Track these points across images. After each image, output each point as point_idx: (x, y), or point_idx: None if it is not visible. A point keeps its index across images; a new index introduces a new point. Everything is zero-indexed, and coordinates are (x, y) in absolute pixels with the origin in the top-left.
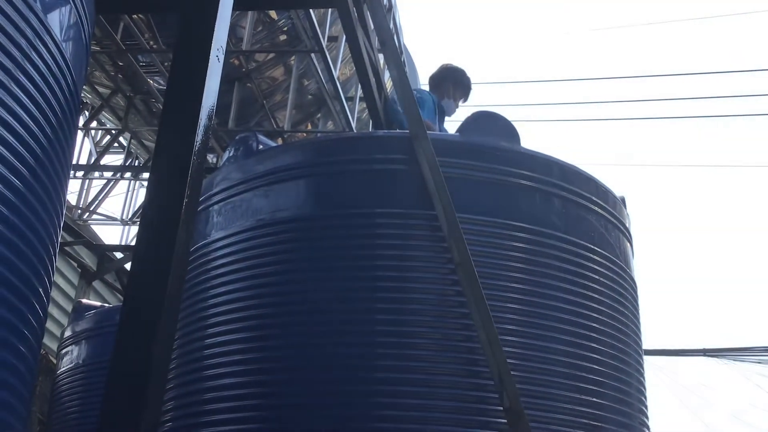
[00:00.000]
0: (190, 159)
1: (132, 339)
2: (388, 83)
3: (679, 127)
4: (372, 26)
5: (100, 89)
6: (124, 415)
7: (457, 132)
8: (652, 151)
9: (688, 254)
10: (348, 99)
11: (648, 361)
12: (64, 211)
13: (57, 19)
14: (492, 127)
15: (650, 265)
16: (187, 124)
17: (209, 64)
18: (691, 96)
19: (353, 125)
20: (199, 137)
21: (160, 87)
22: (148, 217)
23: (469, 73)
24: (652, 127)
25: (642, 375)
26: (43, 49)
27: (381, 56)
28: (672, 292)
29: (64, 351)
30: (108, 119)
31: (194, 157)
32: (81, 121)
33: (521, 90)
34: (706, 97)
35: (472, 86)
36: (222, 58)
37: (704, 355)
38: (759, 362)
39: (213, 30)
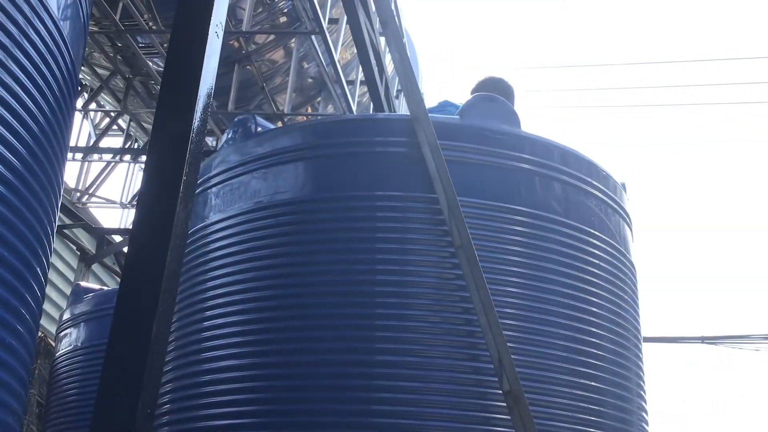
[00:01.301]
0: (188, 137)
1: (129, 321)
2: (389, 66)
3: (688, 114)
4: (373, 8)
5: (99, 71)
6: (120, 396)
7: (457, 115)
8: (658, 140)
9: (688, 245)
10: (348, 83)
11: (646, 348)
12: (62, 194)
13: None
14: (492, 110)
15: (651, 254)
16: (186, 101)
17: (208, 40)
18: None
19: (354, 109)
20: (197, 114)
21: (159, 69)
22: (145, 197)
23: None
24: (667, 114)
25: (641, 359)
26: (41, 26)
27: (382, 39)
28: (671, 280)
29: (62, 334)
30: (107, 101)
31: (193, 135)
32: (80, 103)
33: (529, 76)
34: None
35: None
36: (221, 34)
37: (702, 342)
38: (756, 350)
39: (212, 5)
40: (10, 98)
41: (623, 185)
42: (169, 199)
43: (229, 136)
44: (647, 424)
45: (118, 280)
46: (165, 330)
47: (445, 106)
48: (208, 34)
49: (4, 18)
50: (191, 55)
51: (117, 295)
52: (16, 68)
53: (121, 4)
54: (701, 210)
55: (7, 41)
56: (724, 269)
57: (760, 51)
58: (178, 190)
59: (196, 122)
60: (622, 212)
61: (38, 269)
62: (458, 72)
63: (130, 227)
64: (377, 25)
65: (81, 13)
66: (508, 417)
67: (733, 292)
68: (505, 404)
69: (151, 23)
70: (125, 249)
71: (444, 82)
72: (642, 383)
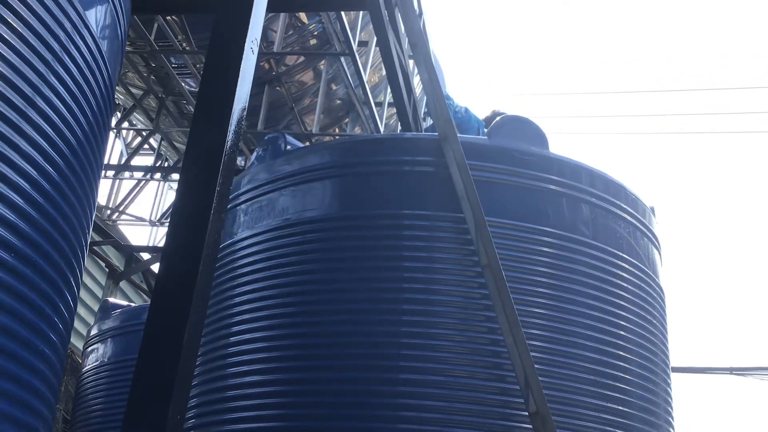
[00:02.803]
0: (222, 149)
1: (161, 328)
2: (417, 88)
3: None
4: (403, 29)
5: (133, 90)
6: (149, 411)
7: (485, 135)
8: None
9: (717, 273)
10: (376, 104)
11: (673, 378)
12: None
13: (94, 15)
14: (520, 131)
15: (679, 281)
16: (221, 114)
17: (243, 56)
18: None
19: (381, 130)
20: (232, 127)
21: (192, 89)
22: (179, 208)
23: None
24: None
25: (669, 385)
26: (81, 42)
27: (410, 61)
28: (699, 308)
29: (89, 349)
30: (139, 120)
31: (227, 147)
32: (113, 122)
33: (555, 101)
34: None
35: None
36: (256, 51)
37: (731, 373)
38: None
39: (248, 23)
40: (50, 111)
41: (652, 209)
42: (203, 210)
43: (260, 153)
44: None
45: (146, 297)
46: (196, 337)
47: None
48: (243, 50)
49: (47, 33)
50: (227, 70)
51: (150, 302)
52: (57, 82)
53: (156, 25)
54: (732, 237)
55: (48, 56)
56: (754, 299)
57: None
58: (211, 201)
59: (230, 134)
60: (651, 236)
61: (68, 294)
62: (472, 88)
63: (159, 245)
64: (406, 45)
65: (119, 32)
66: None
67: (764, 323)
68: (530, 426)
69: (184, 44)
70: (153, 267)
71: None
72: (670, 409)
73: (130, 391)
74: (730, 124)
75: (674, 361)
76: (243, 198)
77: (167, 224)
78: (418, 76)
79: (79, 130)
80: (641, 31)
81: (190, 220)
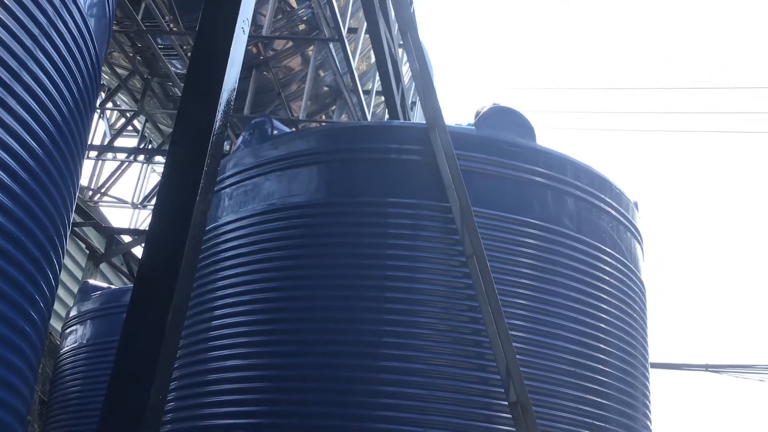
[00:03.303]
0: (211, 128)
1: (146, 305)
2: (406, 76)
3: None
4: (393, 15)
5: (118, 70)
6: (131, 391)
7: (472, 125)
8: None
9: (696, 269)
10: (364, 92)
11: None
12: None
13: None
14: (508, 122)
15: (658, 276)
16: (210, 93)
17: (234, 36)
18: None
19: (368, 118)
20: (221, 107)
21: (178, 71)
22: (166, 187)
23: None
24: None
25: (647, 379)
26: (69, 18)
27: (400, 50)
28: (677, 305)
29: (68, 330)
30: (123, 101)
31: (216, 127)
32: (97, 102)
33: (550, 96)
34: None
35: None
36: (247, 31)
37: (706, 370)
38: (761, 380)
39: (239, 2)
40: (36, 86)
41: (636, 204)
42: (190, 191)
43: (246, 138)
44: None
45: (126, 280)
46: (181, 318)
47: None
48: (234, 30)
49: (34, 7)
50: (217, 49)
51: (134, 282)
52: (43, 57)
53: (143, 5)
54: (711, 237)
55: (36, 30)
56: (731, 297)
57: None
58: (199, 181)
59: (219, 114)
60: (634, 230)
61: (50, 272)
62: (463, 85)
63: (141, 228)
64: (395, 30)
65: (107, 10)
66: (513, 428)
67: (740, 321)
68: (509, 415)
69: (172, 25)
70: (134, 249)
71: (454, 94)
72: (648, 402)
73: (112, 370)
74: (722, 123)
75: (651, 356)
76: (228, 182)
77: (149, 207)
78: (407, 64)
79: (64, 107)
80: (641, 30)
81: (177, 200)
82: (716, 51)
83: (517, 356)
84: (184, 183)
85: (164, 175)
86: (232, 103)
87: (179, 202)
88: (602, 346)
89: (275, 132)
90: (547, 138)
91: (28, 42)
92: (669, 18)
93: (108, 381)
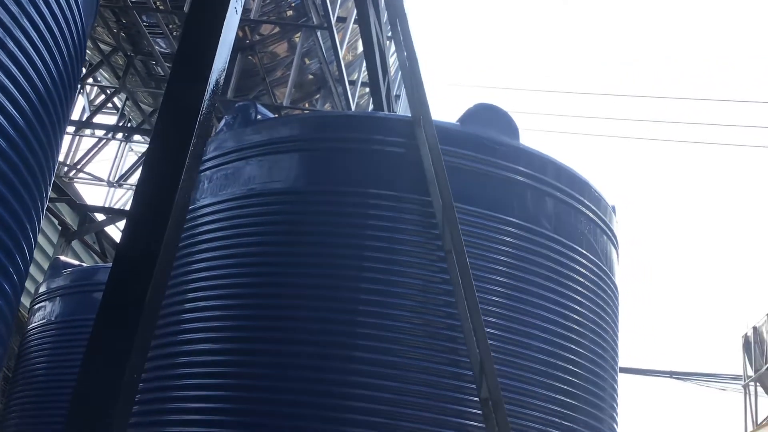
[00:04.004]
0: (199, 106)
1: (125, 280)
2: (392, 68)
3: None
4: (383, 4)
5: (101, 45)
6: (105, 369)
7: (457, 122)
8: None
9: (665, 277)
10: (349, 82)
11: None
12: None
13: None
14: (492, 120)
15: (629, 282)
16: (200, 71)
17: (227, 15)
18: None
19: (353, 108)
20: (210, 86)
21: (162, 50)
22: (150, 165)
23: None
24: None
25: (615, 381)
26: None
27: (387, 42)
28: (645, 311)
29: (36, 306)
30: (105, 77)
31: (204, 105)
32: None
33: (541, 99)
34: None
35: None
36: (240, 10)
37: (671, 377)
38: (723, 389)
39: None
40: (20, 54)
41: (613, 208)
42: (174, 170)
43: (228, 121)
44: None
45: (98, 258)
46: (159, 296)
47: None
48: (227, 9)
49: None
50: (209, 28)
51: (113, 260)
52: (29, 25)
53: None
54: (682, 246)
55: None
56: (697, 307)
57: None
58: (184, 161)
59: (207, 94)
60: (611, 234)
61: (25, 245)
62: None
63: (115, 206)
64: (385, 20)
65: None
66: (482, 424)
67: (705, 331)
68: (480, 412)
69: (159, 3)
70: (107, 228)
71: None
72: (615, 404)
73: (86, 347)
74: (706, 134)
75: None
76: (208, 164)
77: (125, 186)
78: (395, 55)
79: (48, 78)
80: (642, 32)
81: (160, 179)
82: (715, 53)
83: (492, 353)
84: (168, 163)
85: (148, 153)
86: (221, 84)
87: (163, 181)
88: (574, 347)
89: (259, 117)
90: (535, 140)
91: (14, 8)
92: (670, 20)
93: (82, 357)
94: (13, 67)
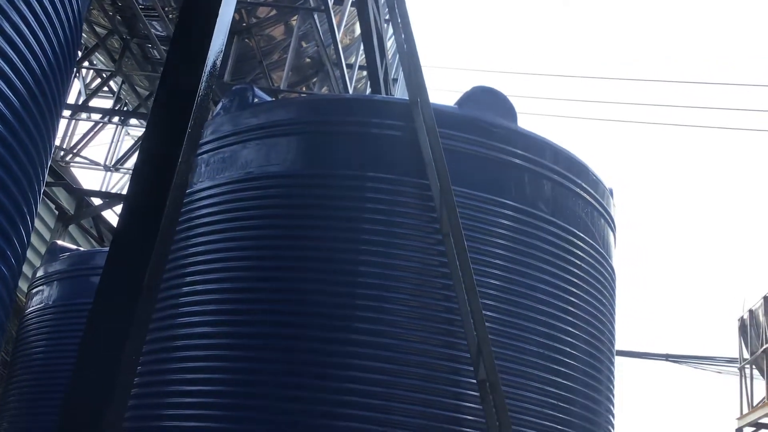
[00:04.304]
0: (197, 89)
1: (121, 273)
2: (390, 51)
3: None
4: None
5: (97, 28)
6: (104, 350)
7: (455, 105)
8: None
9: (663, 261)
10: (346, 66)
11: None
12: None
13: None
14: (490, 102)
15: (625, 265)
16: (197, 52)
17: None
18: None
19: (350, 92)
20: (208, 66)
21: (158, 33)
22: (147, 147)
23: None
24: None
25: (612, 364)
26: None
27: (385, 25)
28: (642, 294)
29: (34, 291)
30: (100, 61)
31: (201, 87)
32: None
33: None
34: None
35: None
36: None
37: (666, 360)
38: (719, 372)
39: None
40: (16, 36)
41: (611, 191)
42: (172, 153)
43: (225, 104)
44: (613, 427)
45: (95, 243)
46: (158, 277)
47: None
48: None
49: None
50: (206, 10)
51: (111, 242)
52: (24, 7)
53: None
54: (680, 229)
55: None
56: (693, 291)
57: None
58: (181, 144)
59: (205, 76)
60: (608, 217)
61: (23, 229)
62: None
63: (112, 191)
64: (382, 0)
65: None
66: (479, 406)
67: (701, 314)
68: (477, 394)
69: None
70: (104, 213)
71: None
72: (612, 386)
73: (85, 328)
74: (704, 118)
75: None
76: (205, 148)
77: (122, 170)
78: (392, 38)
79: (44, 60)
80: (643, 31)
81: (157, 163)
82: (716, 51)
83: (489, 335)
84: (165, 145)
85: (145, 136)
86: (218, 67)
87: (160, 165)
88: (571, 329)
89: (256, 100)
90: (533, 124)
91: None
92: (671, 19)
93: (80, 339)
94: (9, 50)
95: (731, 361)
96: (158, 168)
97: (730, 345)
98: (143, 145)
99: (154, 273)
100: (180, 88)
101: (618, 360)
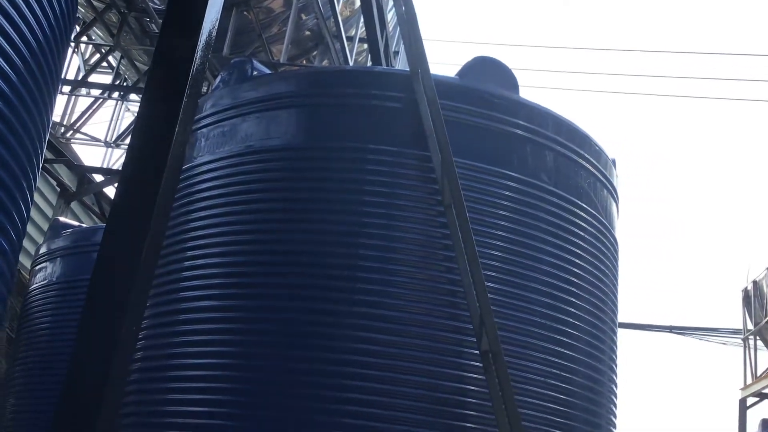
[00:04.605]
0: (192, 60)
1: (119, 246)
2: (390, 24)
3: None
4: None
5: (94, 2)
6: (104, 323)
7: (456, 76)
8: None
9: (666, 231)
10: (347, 38)
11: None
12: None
13: None
14: (491, 73)
15: (628, 237)
16: (194, 19)
17: None
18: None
19: (351, 65)
20: (203, 36)
21: (156, 6)
22: (144, 116)
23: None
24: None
25: (615, 334)
26: None
27: None
28: (645, 266)
29: (38, 267)
30: (99, 35)
31: (197, 56)
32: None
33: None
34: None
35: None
36: None
37: (670, 332)
38: (724, 344)
39: None
40: (11, 8)
41: (614, 161)
42: (167, 126)
43: (224, 77)
44: (616, 397)
45: (97, 219)
46: (156, 251)
47: None
48: None
49: None
50: None
51: (108, 215)
52: None
53: None
54: (683, 199)
55: None
56: (697, 261)
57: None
58: (177, 116)
59: (200, 46)
60: (611, 188)
61: (21, 203)
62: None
63: (114, 167)
64: None
65: None
66: (482, 377)
67: (705, 285)
68: (481, 364)
69: None
70: (106, 189)
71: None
72: (614, 357)
73: (84, 302)
74: (706, 89)
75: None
76: (205, 122)
77: (123, 146)
78: (393, 10)
79: (40, 33)
80: (644, 31)
81: (153, 136)
82: (719, 49)
83: (491, 307)
84: (161, 118)
85: (141, 109)
86: (214, 37)
87: (155, 138)
88: (573, 299)
89: (255, 73)
90: (535, 95)
91: None
92: (672, 18)
93: (80, 314)
94: (4, 21)
95: (735, 332)
96: (155, 137)
97: (734, 316)
98: (140, 113)
99: (153, 243)
100: (175, 58)
101: (622, 332)
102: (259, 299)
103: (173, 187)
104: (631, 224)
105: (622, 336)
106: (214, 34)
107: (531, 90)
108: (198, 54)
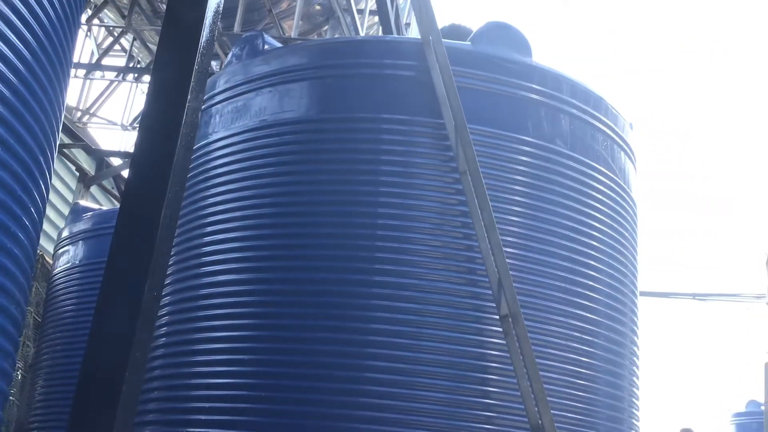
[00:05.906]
0: (201, 25)
1: (137, 208)
2: None
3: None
4: None
5: None
6: (124, 293)
7: (468, 41)
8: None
9: (683, 200)
10: (357, 11)
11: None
12: (64, 111)
13: None
14: (504, 37)
15: (648, 205)
16: None
17: None
18: None
19: None
20: (210, 9)
21: None
22: (156, 85)
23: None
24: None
25: (635, 295)
26: None
27: None
28: (665, 234)
29: (60, 251)
30: (110, 18)
31: (204, 32)
32: (83, 18)
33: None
34: None
35: None
36: None
37: (693, 298)
38: (747, 309)
39: None
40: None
41: (631, 125)
42: (177, 102)
43: (236, 53)
44: (638, 358)
45: (116, 203)
46: (172, 224)
47: None
48: None
49: None
50: None
51: (123, 191)
52: None
53: None
54: (705, 165)
55: None
56: (721, 226)
57: None
58: (186, 92)
59: (207, 21)
60: (628, 150)
61: (36, 192)
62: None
63: (131, 150)
64: None
65: None
66: (502, 341)
67: (727, 251)
68: (500, 329)
69: None
70: (124, 172)
71: None
72: (636, 319)
73: (104, 271)
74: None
75: (639, 285)
76: (218, 98)
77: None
78: None
79: (46, 21)
80: (645, 30)
81: (163, 113)
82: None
83: (510, 271)
84: (170, 95)
85: (150, 87)
86: (221, 9)
87: (166, 115)
88: (592, 262)
89: (267, 47)
90: (548, 59)
91: None
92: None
93: (98, 292)
94: (9, 12)
95: (759, 297)
96: (164, 120)
97: (759, 281)
98: (151, 86)
99: (170, 216)
100: (182, 36)
101: (644, 301)
102: (279, 272)
103: (188, 155)
104: (652, 189)
105: (645, 305)
106: (221, 8)
107: (545, 54)
108: (205, 31)
